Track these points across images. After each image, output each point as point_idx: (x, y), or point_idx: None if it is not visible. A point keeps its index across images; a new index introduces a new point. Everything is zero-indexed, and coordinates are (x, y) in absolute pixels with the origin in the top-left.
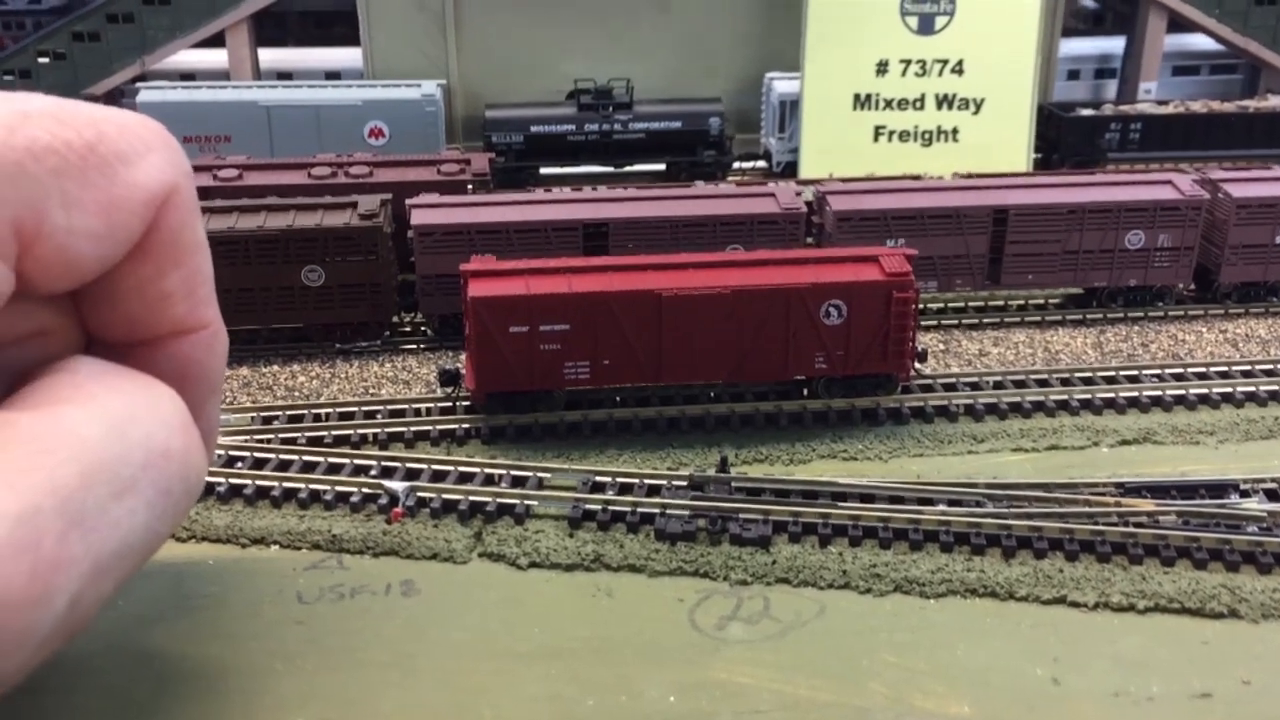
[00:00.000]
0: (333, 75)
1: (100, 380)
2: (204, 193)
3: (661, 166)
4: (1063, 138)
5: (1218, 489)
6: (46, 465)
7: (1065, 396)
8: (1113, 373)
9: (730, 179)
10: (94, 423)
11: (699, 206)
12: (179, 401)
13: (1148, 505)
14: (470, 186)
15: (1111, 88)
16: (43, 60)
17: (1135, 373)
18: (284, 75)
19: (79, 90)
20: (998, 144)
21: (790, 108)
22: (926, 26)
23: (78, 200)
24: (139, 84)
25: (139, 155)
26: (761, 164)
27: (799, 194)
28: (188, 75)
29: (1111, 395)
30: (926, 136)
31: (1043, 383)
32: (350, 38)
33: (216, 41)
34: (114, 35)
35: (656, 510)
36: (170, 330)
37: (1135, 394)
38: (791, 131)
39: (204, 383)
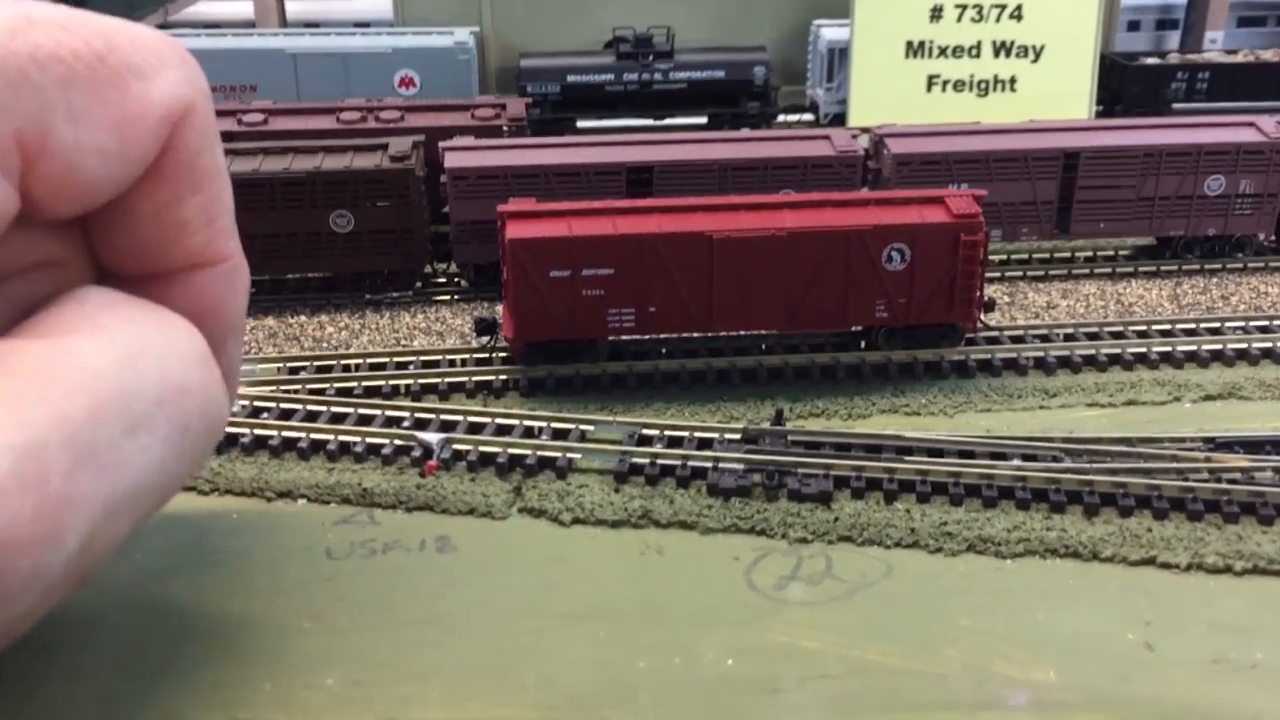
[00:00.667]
0: (361, 25)
1: (112, 310)
2: (228, 137)
3: (703, 119)
4: (1125, 88)
5: None
6: (53, 397)
7: (1143, 349)
8: (1193, 324)
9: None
10: (105, 354)
11: (749, 149)
12: (197, 335)
13: (1241, 461)
14: (505, 130)
15: (1173, 39)
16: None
17: (1217, 325)
18: (311, 25)
19: None
20: (1058, 94)
21: (839, 56)
22: None
23: (86, 114)
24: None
25: (154, 70)
26: (808, 116)
27: (855, 137)
28: (212, 25)
29: (1193, 348)
30: (983, 86)
31: (1118, 335)
32: None
33: None
34: None
35: (708, 465)
36: (187, 262)
37: (1218, 346)
38: (840, 81)
39: (223, 319)
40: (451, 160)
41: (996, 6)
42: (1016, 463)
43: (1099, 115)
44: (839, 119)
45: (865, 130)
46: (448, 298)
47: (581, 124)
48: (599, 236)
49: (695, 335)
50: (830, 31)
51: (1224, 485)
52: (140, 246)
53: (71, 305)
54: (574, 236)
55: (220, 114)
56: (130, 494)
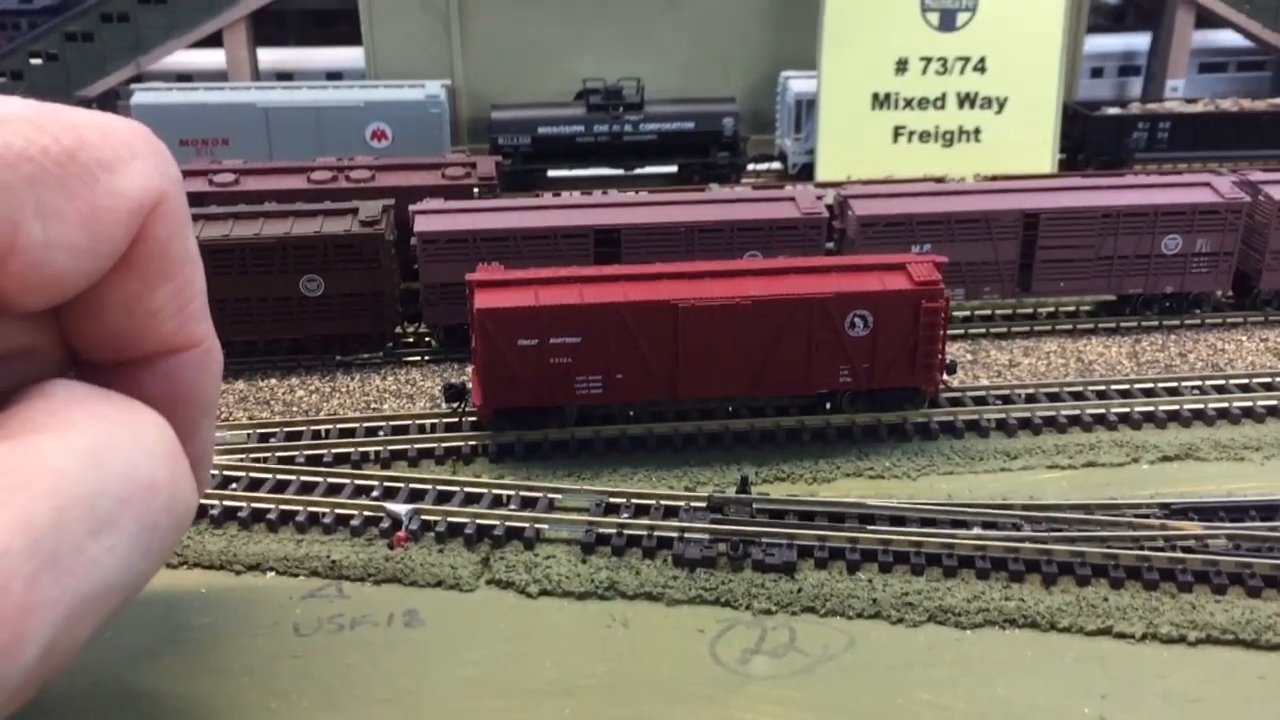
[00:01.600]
0: (334, 75)
1: (80, 406)
2: (199, 199)
3: (673, 169)
4: (1088, 137)
5: (1269, 510)
6: (18, 501)
7: (1102, 410)
8: (1150, 384)
9: (745, 181)
10: (71, 454)
11: (715, 211)
12: (166, 428)
13: (1195, 528)
14: (476, 191)
15: (1136, 85)
16: (35, 61)
17: (1174, 384)
18: (284, 76)
19: (72, 92)
20: (1022, 144)
21: (806, 107)
22: (948, 23)
23: (55, 210)
24: (134, 85)
25: (123, 162)
26: (776, 166)
27: (820, 198)
28: (184, 76)
29: (1150, 409)
30: (948, 137)
31: (1078, 395)
32: (352, 37)
33: (214, 41)
34: (108, 35)
35: (674, 534)
36: (160, 349)
37: (1175, 407)
38: (808, 132)
39: (196, 403)
40: (422, 224)
41: (961, 59)
42: (977, 531)
43: (1062, 165)
44: (807, 169)
45: (832, 185)
46: (418, 359)
47: (553, 174)
48: (566, 305)
49: (661, 400)
50: (798, 83)
51: (1179, 554)
52: (112, 334)
53: (39, 401)
54: (541, 306)
55: (191, 174)
56: (95, 595)
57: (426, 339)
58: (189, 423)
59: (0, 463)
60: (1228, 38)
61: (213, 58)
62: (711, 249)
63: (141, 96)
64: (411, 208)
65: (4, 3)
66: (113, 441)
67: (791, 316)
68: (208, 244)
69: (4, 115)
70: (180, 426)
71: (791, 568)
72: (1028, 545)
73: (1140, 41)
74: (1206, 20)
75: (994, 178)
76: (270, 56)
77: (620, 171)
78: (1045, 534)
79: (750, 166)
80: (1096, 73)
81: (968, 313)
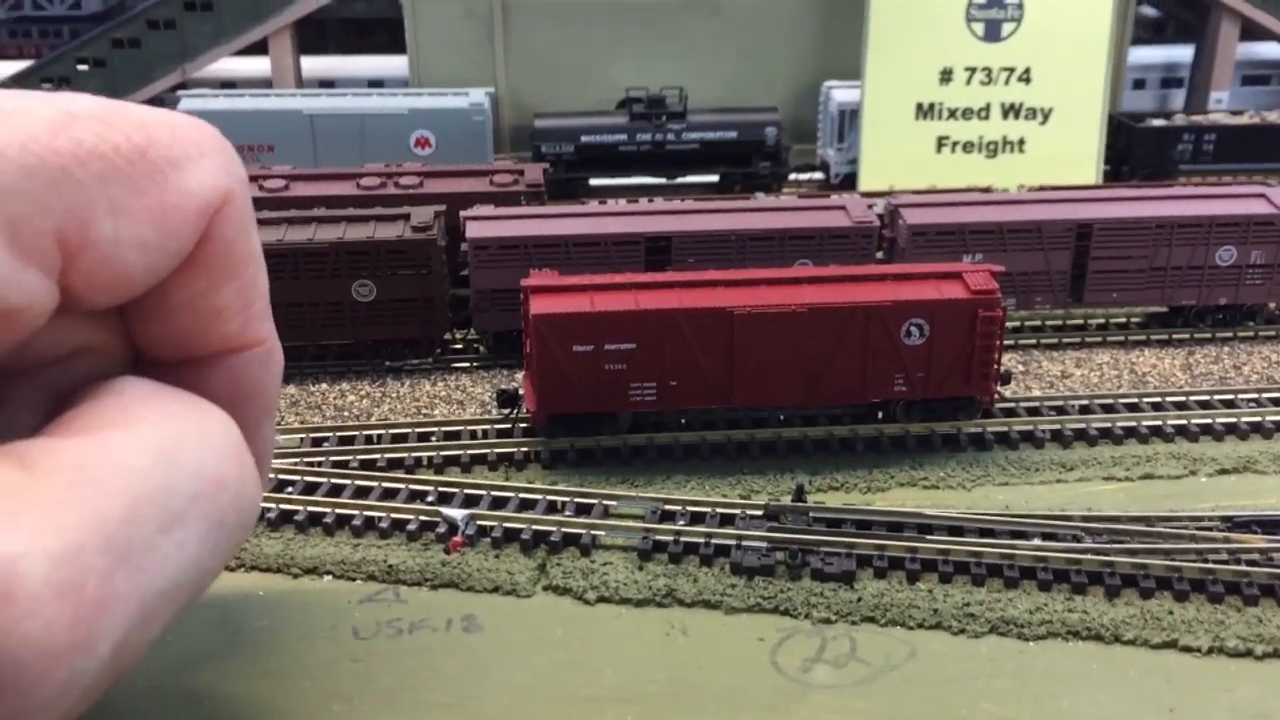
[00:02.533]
0: (376, 83)
1: (149, 403)
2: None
3: (715, 178)
4: (1133, 149)
5: None
6: (90, 498)
7: (1158, 422)
8: (1207, 396)
9: (787, 191)
10: (142, 450)
11: (765, 219)
12: (232, 425)
13: (1259, 541)
14: (523, 198)
15: (1178, 97)
16: (82, 68)
17: (1230, 397)
18: (326, 83)
19: (119, 98)
20: (1066, 155)
21: (849, 117)
22: (993, 33)
23: (126, 208)
24: (179, 92)
25: (191, 160)
26: (818, 175)
27: (871, 206)
28: (229, 83)
29: (1207, 421)
30: (992, 148)
31: (1132, 407)
32: (391, 46)
33: (259, 49)
34: (155, 42)
35: (731, 542)
36: (223, 347)
37: (1232, 420)
38: (850, 142)
39: (258, 402)
40: (473, 230)
41: (1005, 69)
42: (1037, 542)
43: (1106, 176)
44: (850, 179)
45: (881, 194)
46: (467, 365)
47: (595, 182)
48: (621, 312)
49: (715, 408)
50: (841, 93)
51: (1243, 567)
52: (177, 333)
53: (108, 398)
54: (597, 312)
55: None
56: (165, 592)
57: (475, 345)
58: (251, 421)
59: (71, 460)
60: (1271, 50)
61: (258, 65)
62: (762, 257)
63: (188, 103)
64: (463, 213)
65: (52, 9)
66: (182, 438)
67: (847, 324)
68: (261, 248)
69: (75, 111)
70: (243, 425)
71: (850, 577)
72: (1090, 557)
73: (1182, 54)
74: (1251, 32)
75: (1043, 188)
76: (314, 64)
77: (662, 180)
78: (1107, 545)
79: (792, 176)
80: (1139, 84)
81: (1018, 323)
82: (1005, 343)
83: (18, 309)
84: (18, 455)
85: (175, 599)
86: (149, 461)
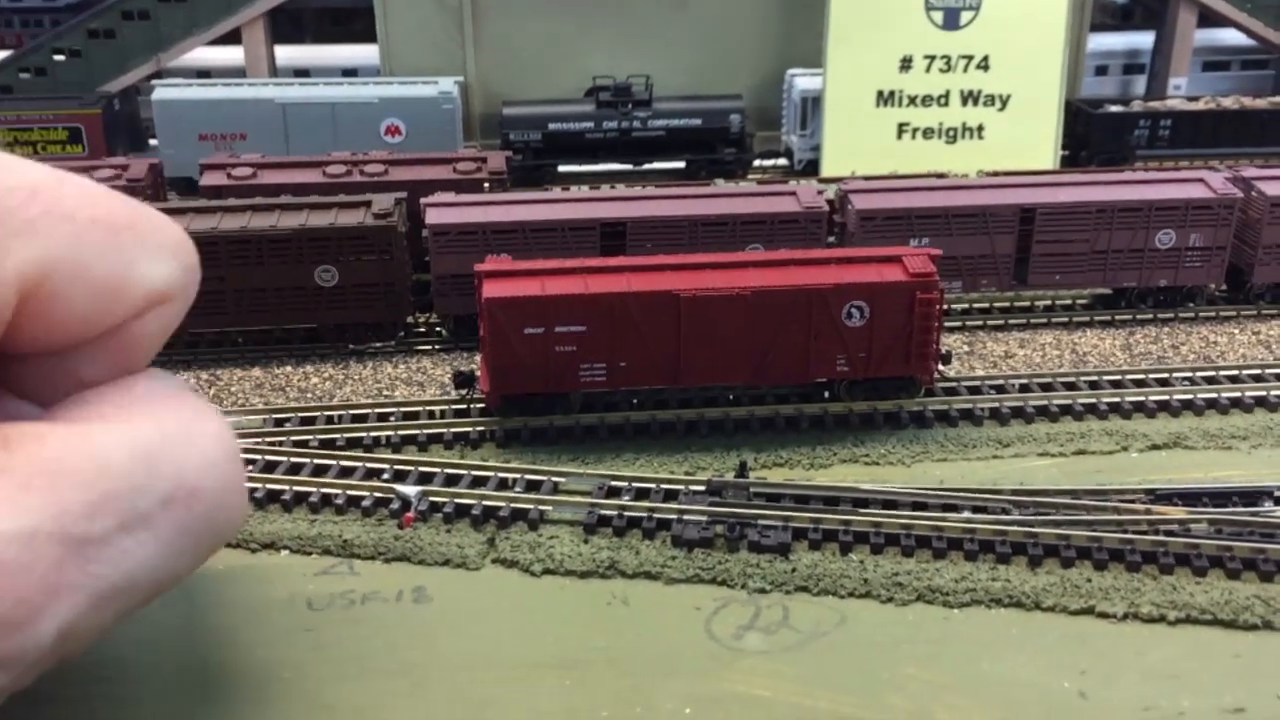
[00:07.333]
0: (349, 72)
1: (146, 404)
2: (218, 191)
3: (681, 164)
4: (1090, 135)
5: (1251, 496)
6: (57, 487)
7: (1093, 400)
8: (1142, 375)
9: (750, 177)
10: (121, 448)
11: (718, 205)
12: (228, 441)
13: (1179, 513)
14: (486, 185)
15: (1140, 83)
16: (58, 58)
17: (1165, 375)
18: (300, 72)
19: (94, 88)
20: (1024, 141)
21: (812, 105)
22: (952, 21)
23: (90, 273)
24: (154, 81)
25: (161, 254)
26: (782, 162)
27: (820, 192)
28: (203, 73)
29: (1141, 399)
30: (951, 134)
31: (1070, 386)
32: (367, 35)
33: (233, 39)
34: (129, 32)
35: (673, 516)
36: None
37: (1165, 397)
38: (813, 129)
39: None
40: (433, 216)
41: (964, 57)
42: (966, 515)
43: (1064, 162)
44: (813, 165)
45: (834, 180)
46: (429, 348)
47: (563, 169)
48: (571, 295)
49: (665, 387)
50: (804, 80)
51: (1162, 538)
52: (37, 378)
53: (116, 391)
54: (547, 295)
55: (211, 168)
56: (119, 587)
57: (437, 328)
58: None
59: (49, 448)
60: (1231, 36)
61: (231, 54)
62: (715, 242)
63: (162, 92)
64: (423, 200)
65: (28, 1)
66: (166, 443)
67: (790, 307)
68: (227, 235)
69: (80, 180)
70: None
71: (786, 549)
72: (1015, 528)
73: (1144, 40)
74: (1209, 19)
75: (994, 174)
76: (287, 53)
77: (629, 167)
78: (1032, 517)
79: (756, 163)
80: (1101, 71)
81: (965, 305)
82: (951, 324)
83: None
84: (3, 436)
85: (131, 595)
86: (125, 460)
